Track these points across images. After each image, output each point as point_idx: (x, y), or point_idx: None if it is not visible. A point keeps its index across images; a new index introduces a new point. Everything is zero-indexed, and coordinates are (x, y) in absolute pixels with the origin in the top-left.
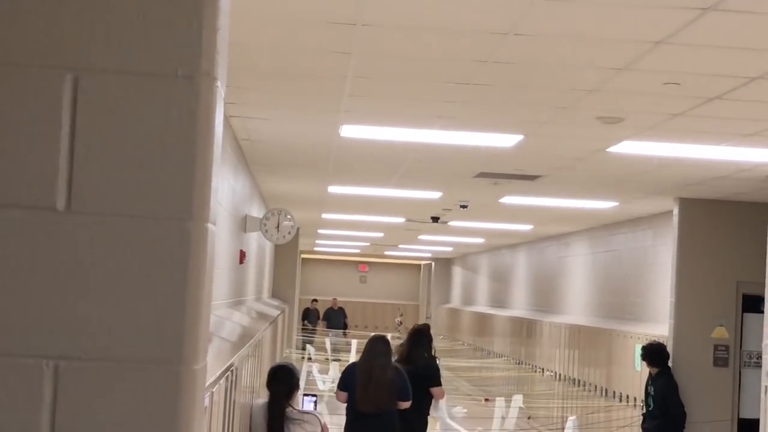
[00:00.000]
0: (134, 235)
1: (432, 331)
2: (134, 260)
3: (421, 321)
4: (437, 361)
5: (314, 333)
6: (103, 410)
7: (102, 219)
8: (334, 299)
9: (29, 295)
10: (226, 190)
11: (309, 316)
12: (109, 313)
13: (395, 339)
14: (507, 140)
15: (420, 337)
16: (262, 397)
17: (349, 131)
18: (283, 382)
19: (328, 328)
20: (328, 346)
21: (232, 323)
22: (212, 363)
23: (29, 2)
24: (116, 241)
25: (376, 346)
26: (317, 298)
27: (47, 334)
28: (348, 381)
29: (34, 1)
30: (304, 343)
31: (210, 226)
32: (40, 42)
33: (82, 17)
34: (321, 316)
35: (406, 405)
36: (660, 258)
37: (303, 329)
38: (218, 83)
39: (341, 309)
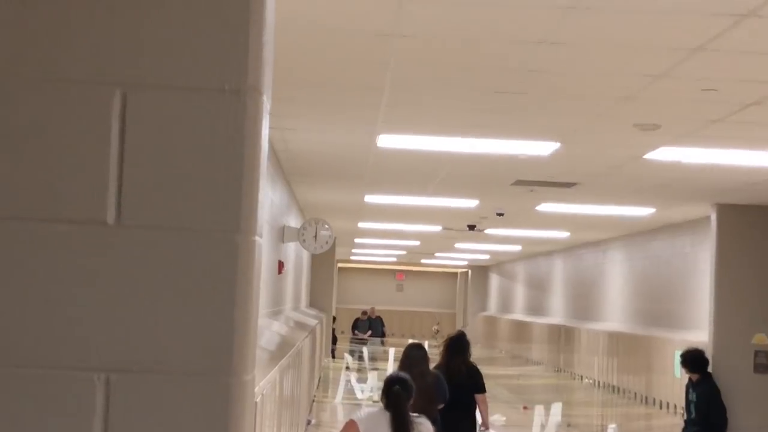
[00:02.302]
0: (183, 248)
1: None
2: (183, 273)
3: (458, 327)
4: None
5: (364, 342)
6: (155, 422)
7: (151, 232)
8: (372, 308)
9: (80, 308)
10: (264, 201)
11: (359, 326)
12: (158, 325)
13: (432, 348)
14: (544, 148)
15: (457, 345)
16: (369, 408)
17: (386, 141)
18: (404, 389)
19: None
20: (365, 355)
21: (270, 332)
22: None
23: (79, 18)
24: (165, 255)
25: (413, 353)
26: (366, 309)
27: (98, 347)
28: None
29: (84, 16)
30: (352, 351)
31: (257, 238)
32: (90, 58)
33: (131, 33)
34: (355, 325)
35: (440, 406)
36: (698, 264)
37: (353, 339)
38: (264, 97)
39: (379, 318)
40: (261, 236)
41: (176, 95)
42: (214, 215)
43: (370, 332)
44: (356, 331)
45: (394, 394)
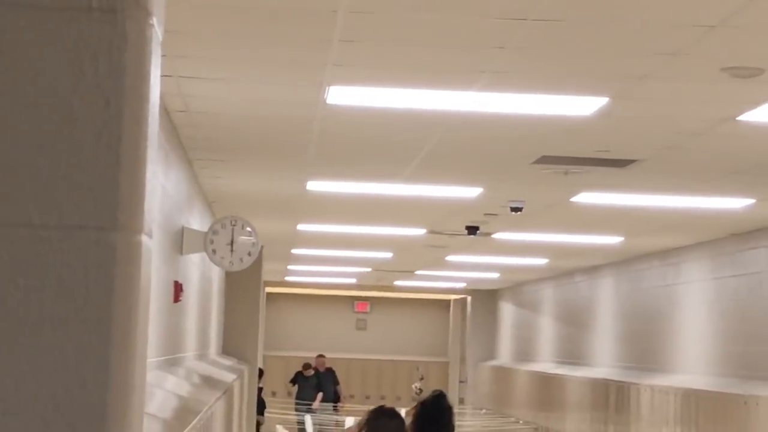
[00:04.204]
0: (29, 255)
1: (462, 404)
2: (29, 292)
3: (453, 387)
4: None
5: (310, 409)
6: None
7: None
8: (320, 357)
9: None
10: (153, 189)
11: (303, 384)
12: None
13: (410, 416)
14: (584, 106)
15: (431, 414)
16: None
17: (340, 95)
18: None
19: (302, 399)
20: (308, 426)
21: (164, 393)
22: None
23: None
24: (1, 266)
25: (382, 423)
26: (311, 360)
27: None
28: None
29: None
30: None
31: (145, 239)
32: None
33: None
34: (295, 381)
35: None
36: None
37: (298, 403)
38: (153, 20)
39: (330, 371)
40: (150, 236)
41: (17, 16)
42: (80, 204)
43: (321, 394)
44: (297, 392)
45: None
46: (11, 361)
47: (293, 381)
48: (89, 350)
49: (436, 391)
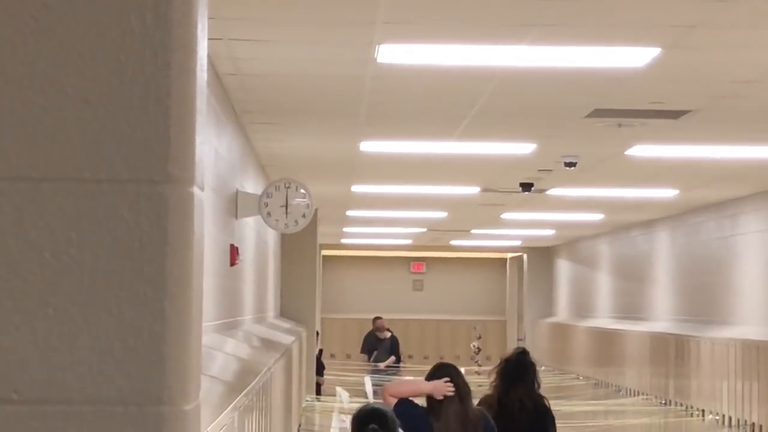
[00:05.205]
0: (82, 209)
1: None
2: (84, 247)
3: (511, 345)
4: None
5: (380, 371)
6: None
7: (26, 186)
8: (378, 318)
9: None
10: (206, 152)
11: (377, 347)
12: (48, 333)
13: (471, 375)
14: (636, 56)
15: (516, 370)
16: None
17: (390, 54)
18: (384, 427)
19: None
20: (368, 388)
21: (224, 355)
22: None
23: None
24: (53, 220)
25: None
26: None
27: None
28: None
29: None
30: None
31: (197, 191)
32: None
33: None
34: (369, 345)
35: None
36: None
37: (374, 370)
38: None
39: (393, 337)
40: (202, 188)
41: None
42: (129, 156)
43: (393, 358)
44: (375, 354)
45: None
46: (67, 317)
47: (366, 347)
48: (145, 304)
49: (520, 347)
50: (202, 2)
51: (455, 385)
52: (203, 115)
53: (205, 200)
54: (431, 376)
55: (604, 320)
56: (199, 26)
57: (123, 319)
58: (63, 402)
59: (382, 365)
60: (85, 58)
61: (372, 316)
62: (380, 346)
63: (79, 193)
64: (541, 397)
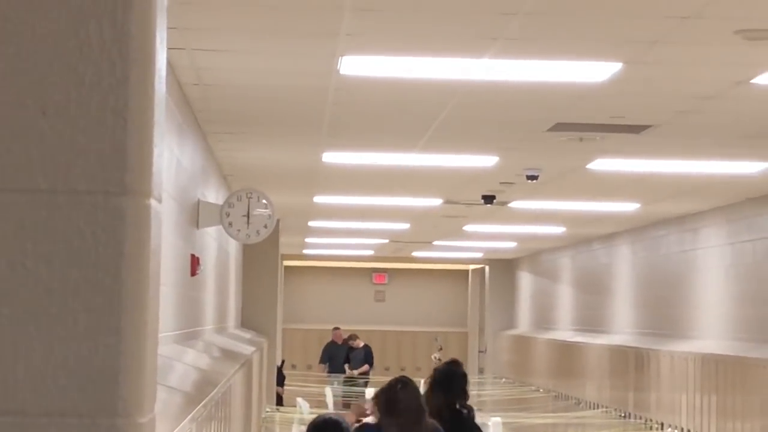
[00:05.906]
0: (38, 220)
1: (482, 373)
2: (39, 258)
3: (472, 357)
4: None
5: (352, 380)
6: None
7: None
8: (337, 329)
9: None
10: (167, 161)
11: (350, 357)
12: (1, 344)
13: (426, 384)
14: (598, 71)
15: (443, 378)
16: None
17: (353, 66)
18: None
19: (329, 372)
20: (329, 399)
21: (183, 366)
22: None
23: None
24: (8, 231)
25: (399, 395)
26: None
27: None
28: None
29: None
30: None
31: (154, 203)
32: None
33: None
34: (322, 355)
35: None
36: None
37: (347, 378)
38: None
39: (348, 343)
40: (160, 201)
41: None
42: (86, 167)
43: (367, 366)
44: (348, 365)
45: None
46: (22, 329)
47: (345, 359)
48: (100, 316)
49: (453, 359)
50: (161, 14)
51: (409, 400)
52: (161, 127)
53: (165, 210)
54: (387, 388)
55: (565, 333)
56: (158, 38)
57: (77, 331)
58: (16, 413)
59: (356, 372)
60: (42, 70)
61: (332, 327)
62: (353, 356)
63: (35, 204)
64: (462, 407)
